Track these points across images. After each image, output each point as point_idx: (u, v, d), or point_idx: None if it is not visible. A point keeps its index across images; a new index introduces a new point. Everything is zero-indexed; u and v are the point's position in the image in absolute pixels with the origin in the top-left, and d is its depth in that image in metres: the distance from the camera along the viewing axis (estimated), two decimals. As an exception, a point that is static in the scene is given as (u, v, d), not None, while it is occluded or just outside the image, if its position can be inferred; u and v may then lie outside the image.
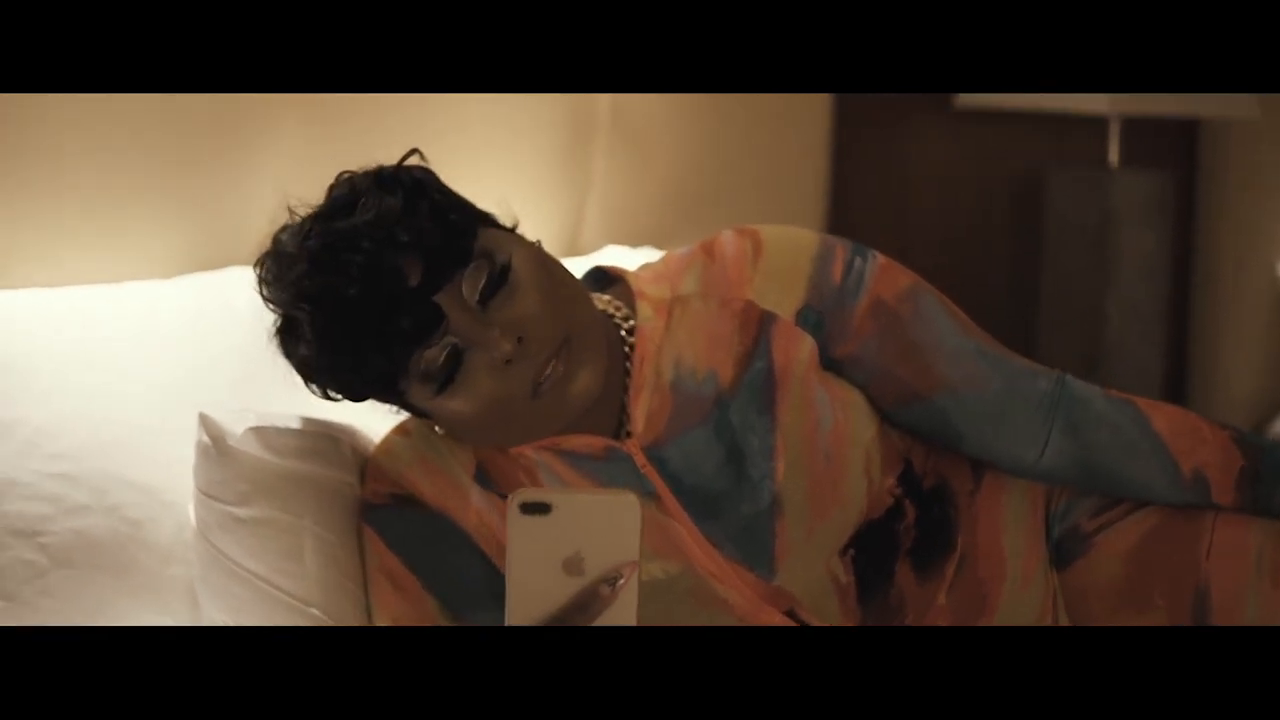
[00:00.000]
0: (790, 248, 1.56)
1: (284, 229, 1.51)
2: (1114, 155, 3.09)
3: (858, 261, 1.55)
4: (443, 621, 1.52)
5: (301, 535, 1.57)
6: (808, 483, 1.50)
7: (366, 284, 1.42)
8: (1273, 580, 1.51)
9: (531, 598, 1.23)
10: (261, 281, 1.50)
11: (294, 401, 1.60)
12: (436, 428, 1.55)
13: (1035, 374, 1.56)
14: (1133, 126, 3.13)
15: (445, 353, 1.44)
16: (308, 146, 2.07)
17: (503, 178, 2.30)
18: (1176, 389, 3.34)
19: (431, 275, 1.43)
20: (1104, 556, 1.57)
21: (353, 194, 1.47)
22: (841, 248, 1.56)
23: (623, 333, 1.55)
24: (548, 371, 1.44)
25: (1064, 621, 1.59)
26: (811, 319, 1.54)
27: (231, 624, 1.56)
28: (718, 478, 1.50)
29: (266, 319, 1.51)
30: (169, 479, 1.67)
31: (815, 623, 1.52)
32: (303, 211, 1.51)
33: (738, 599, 1.51)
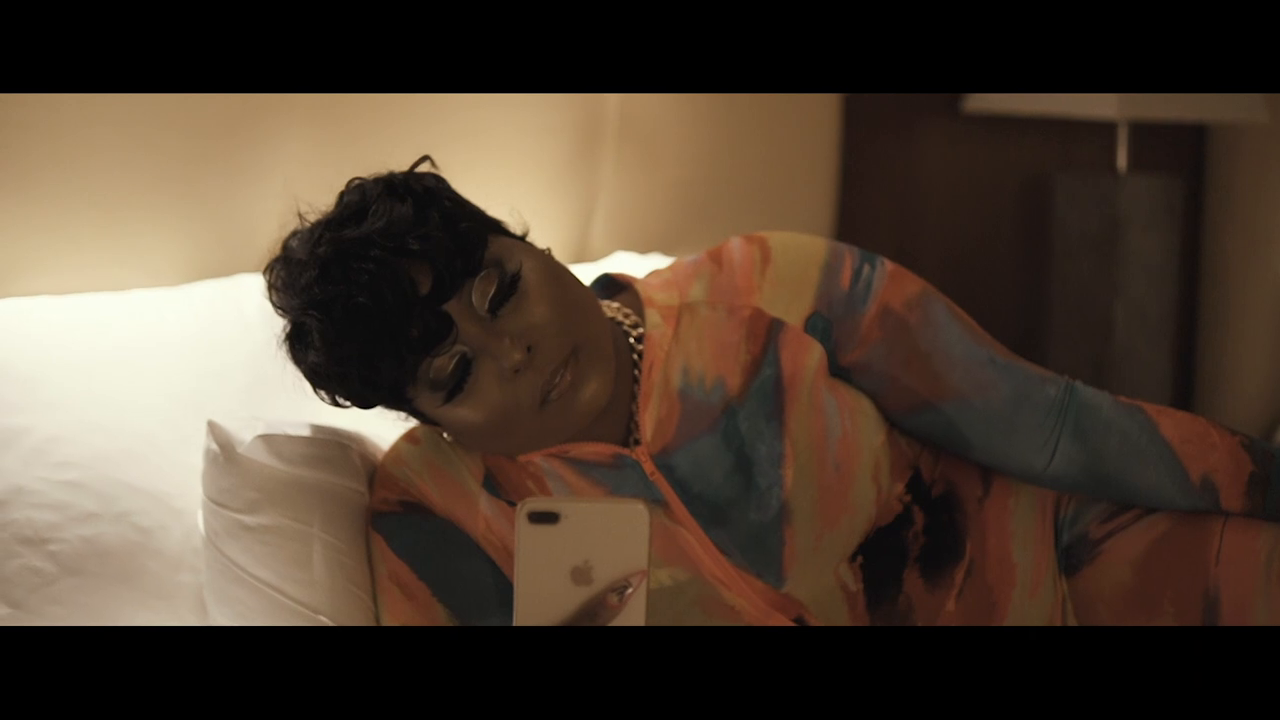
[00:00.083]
0: (799, 255, 1.55)
1: (294, 234, 1.51)
2: (1122, 160, 3.08)
3: (866, 269, 1.55)
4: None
5: (310, 542, 1.57)
6: (816, 490, 1.50)
7: (377, 292, 1.42)
8: (1283, 585, 1.51)
9: (540, 606, 1.23)
10: (271, 288, 1.50)
11: (302, 409, 1.60)
12: (445, 435, 1.55)
13: (1044, 380, 1.56)
14: (1140, 131, 3.13)
15: (454, 361, 1.44)
16: (316, 152, 2.07)
17: (511, 183, 2.30)
18: (1184, 394, 3.33)
19: (442, 284, 1.43)
20: (1113, 563, 1.57)
21: (363, 201, 1.47)
22: (850, 255, 1.56)
23: (631, 340, 1.55)
24: (556, 381, 1.44)
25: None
26: (820, 326, 1.54)
27: (240, 632, 1.56)
28: (726, 485, 1.50)
29: (275, 326, 1.51)
30: (177, 486, 1.67)
31: (824, 630, 1.52)
32: (312, 217, 1.51)
33: (746, 606, 1.51)
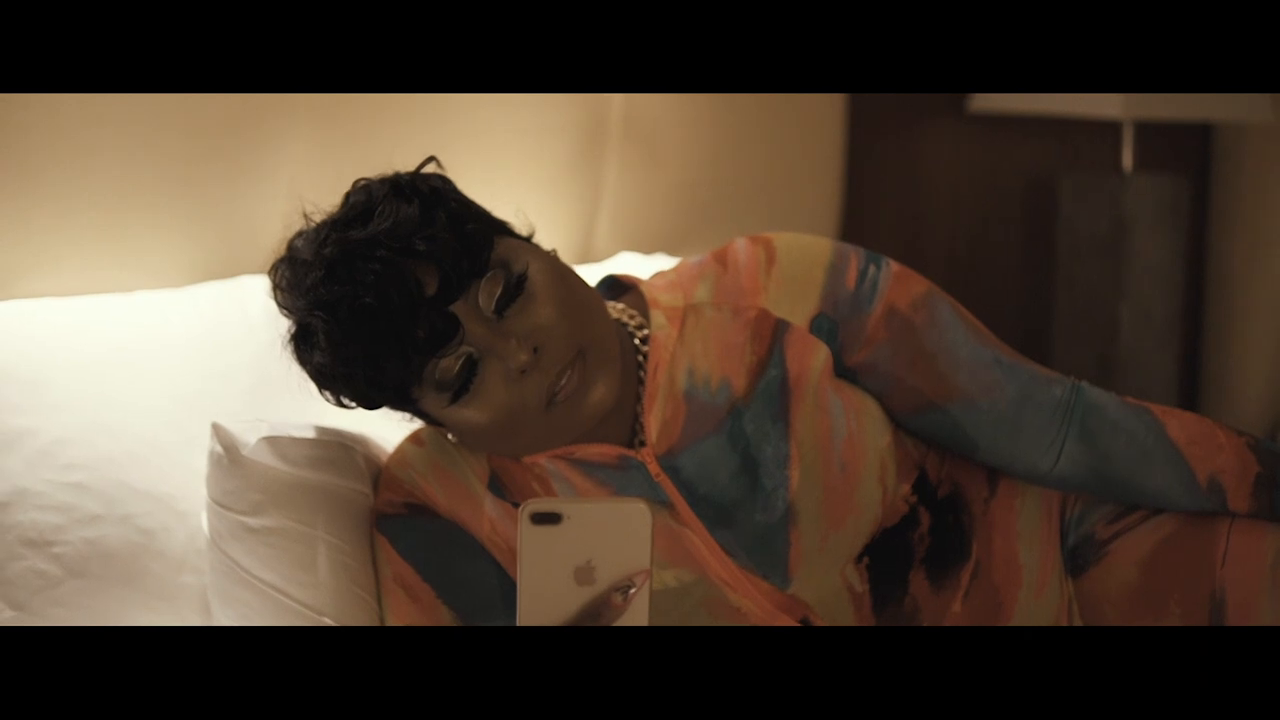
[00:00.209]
0: (804, 256, 1.55)
1: (299, 235, 1.51)
2: (1127, 160, 3.08)
3: (872, 269, 1.55)
4: (456, 631, 1.52)
5: (314, 544, 1.57)
6: (822, 491, 1.50)
7: (382, 293, 1.42)
8: (1289, 587, 1.51)
9: (543, 607, 1.23)
10: (276, 288, 1.50)
11: (307, 410, 1.60)
12: (450, 436, 1.55)
13: (1050, 381, 1.56)
14: (1146, 131, 3.13)
15: (461, 362, 1.44)
16: (319, 153, 2.07)
17: (516, 184, 2.30)
18: (1190, 394, 3.33)
19: (448, 285, 1.43)
20: (1119, 563, 1.57)
21: (370, 202, 1.47)
22: (855, 255, 1.55)
23: (636, 341, 1.55)
24: (563, 382, 1.44)
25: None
26: (825, 327, 1.54)
27: (245, 634, 1.56)
28: (732, 487, 1.50)
29: (280, 327, 1.51)
30: (182, 489, 1.67)
31: (829, 631, 1.52)
32: (318, 217, 1.51)
33: (752, 608, 1.51)
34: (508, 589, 1.52)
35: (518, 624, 1.24)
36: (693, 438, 1.51)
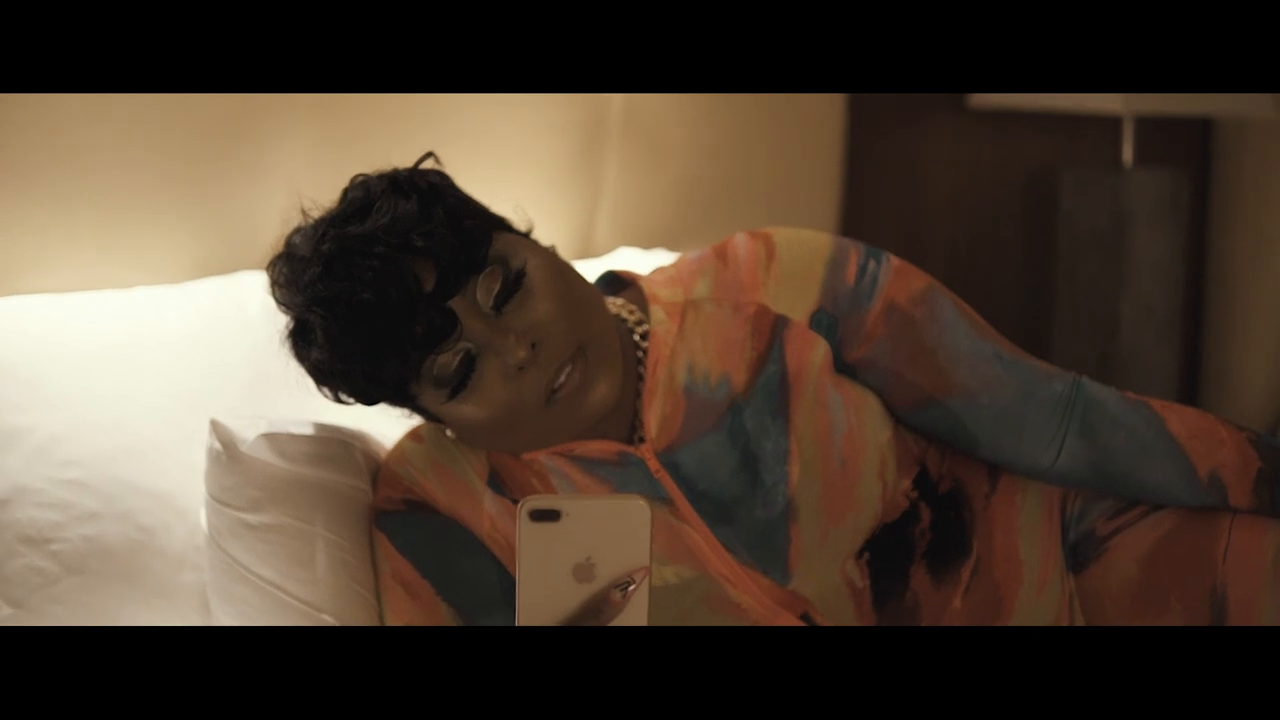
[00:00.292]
0: (803, 251, 1.55)
1: (297, 230, 1.50)
2: (1128, 154, 3.07)
3: (871, 264, 1.54)
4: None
5: (313, 541, 1.56)
6: (822, 487, 1.50)
7: (380, 289, 1.41)
8: (1291, 582, 1.50)
9: (542, 604, 1.23)
10: (274, 284, 1.50)
11: (305, 406, 1.60)
12: (449, 433, 1.54)
13: (1050, 376, 1.55)
14: (1146, 125, 3.12)
15: (459, 358, 1.44)
16: (320, 150, 2.07)
17: (515, 180, 2.29)
18: (1190, 389, 3.33)
19: (446, 281, 1.43)
20: (1120, 559, 1.56)
21: (367, 197, 1.47)
22: (855, 250, 1.55)
23: (636, 337, 1.54)
24: (562, 379, 1.44)
25: (1080, 625, 1.58)
26: (825, 322, 1.53)
27: (243, 631, 1.56)
28: (732, 483, 1.50)
29: (278, 324, 1.51)
30: (180, 485, 1.66)
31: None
32: (316, 212, 1.51)
33: (752, 604, 1.51)
34: (507, 586, 1.51)
35: (517, 621, 1.24)
36: (692, 434, 1.51)
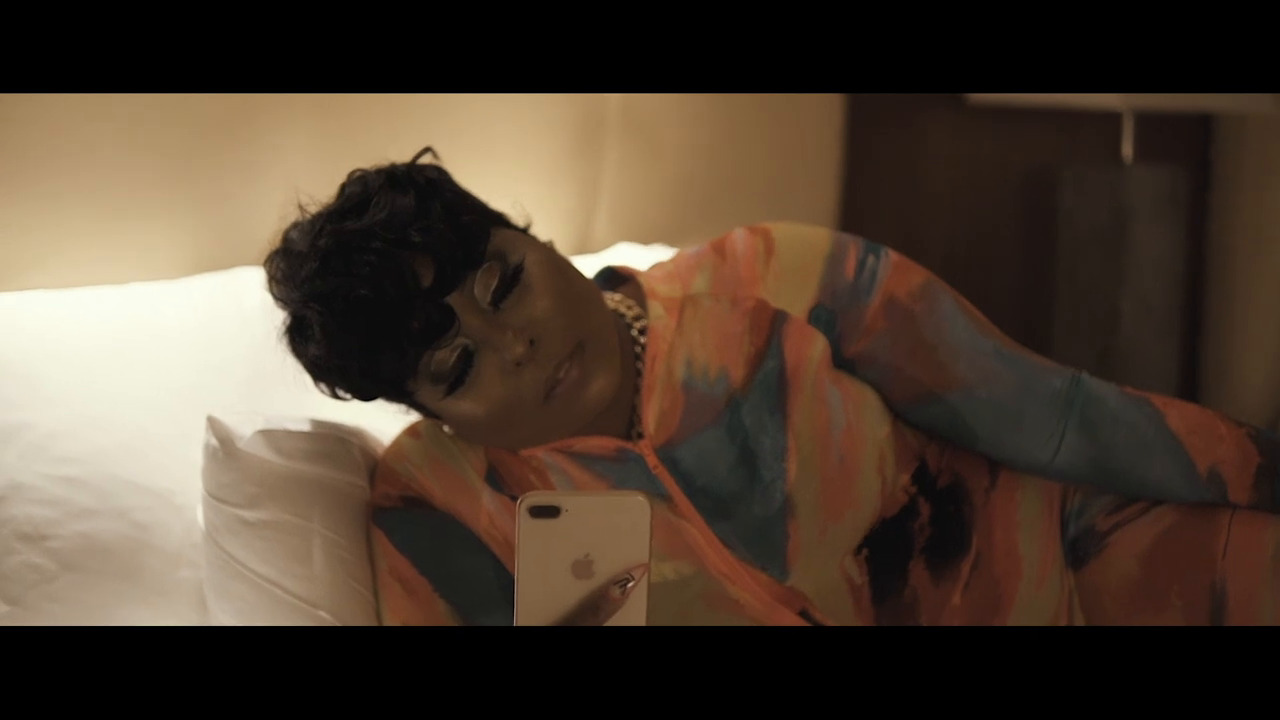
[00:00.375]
0: (802, 246, 1.55)
1: (294, 226, 1.50)
2: (1127, 150, 3.07)
3: (870, 259, 1.54)
4: (453, 624, 1.51)
5: (310, 538, 1.56)
6: (820, 483, 1.49)
7: (378, 285, 1.41)
8: (1291, 578, 1.50)
9: (541, 601, 1.23)
10: (271, 280, 1.50)
11: (303, 403, 1.60)
12: (446, 429, 1.54)
13: (1050, 372, 1.55)
14: (1146, 121, 3.12)
15: (456, 354, 1.44)
16: (317, 145, 2.07)
17: (513, 175, 2.29)
18: (1190, 385, 3.32)
19: (444, 276, 1.43)
20: (1120, 555, 1.56)
21: (365, 192, 1.47)
22: (854, 245, 1.55)
23: (634, 332, 1.54)
24: (561, 375, 1.43)
25: (1079, 621, 1.58)
26: (824, 317, 1.53)
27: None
28: (730, 479, 1.49)
29: (275, 320, 1.51)
30: (177, 482, 1.66)
31: (828, 623, 1.51)
32: (313, 208, 1.50)
33: (751, 600, 1.50)
34: (505, 583, 1.51)
35: (516, 618, 1.23)
36: (691, 429, 1.51)
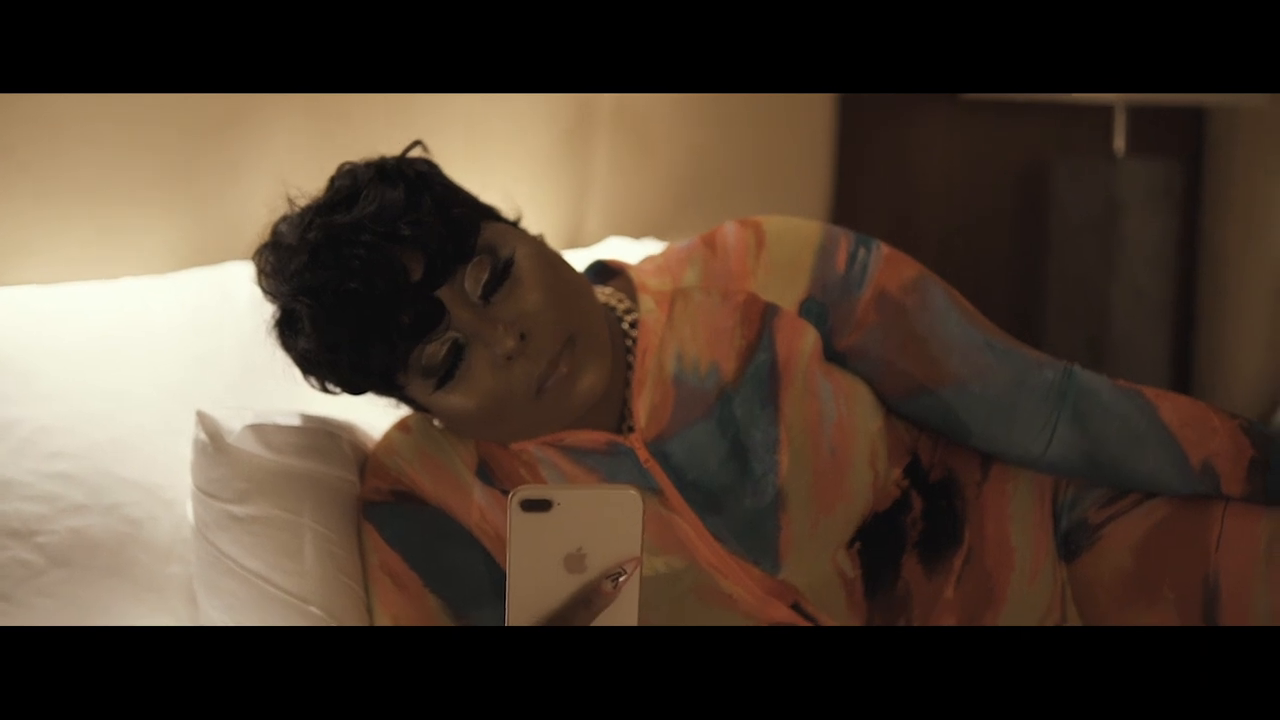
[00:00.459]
0: (793, 239, 1.54)
1: (283, 219, 1.50)
2: (1120, 143, 3.07)
3: (862, 252, 1.54)
4: (444, 619, 1.51)
5: (300, 533, 1.55)
6: (812, 476, 1.49)
7: (367, 278, 1.41)
8: (1284, 571, 1.50)
9: (533, 595, 1.22)
10: (260, 273, 1.50)
11: (292, 397, 1.59)
12: (437, 423, 1.54)
13: (1042, 365, 1.55)
14: (1138, 114, 3.12)
15: (446, 348, 1.43)
16: (307, 140, 2.06)
17: (504, 170, 2.29)
18: (1182, 378, 3.33)
19: (433, 270, 1.42)
20: (1112, 548, 1.56)
21: (354, 186, 1.46)
22: (845, 238, 1.54)
23: (624, 326, 1.54)
24: (552, 370, 1.43)
25: (1072, 614, 1.58)
26: (815, 311, 1.53)
27: (230, 623, 1.55)
28: (721, 472, 1.49)
29: (265, 315, 1.50)
30: (167, 477, 1.65)
31: (821, 617, 1.51)
32: (302, 201, 1.50)
33: (743, 594, 1.50)
34: (496, 577, 1.51)
35: (507, 612, 1.23)
36: (682, 423, 1.50)
